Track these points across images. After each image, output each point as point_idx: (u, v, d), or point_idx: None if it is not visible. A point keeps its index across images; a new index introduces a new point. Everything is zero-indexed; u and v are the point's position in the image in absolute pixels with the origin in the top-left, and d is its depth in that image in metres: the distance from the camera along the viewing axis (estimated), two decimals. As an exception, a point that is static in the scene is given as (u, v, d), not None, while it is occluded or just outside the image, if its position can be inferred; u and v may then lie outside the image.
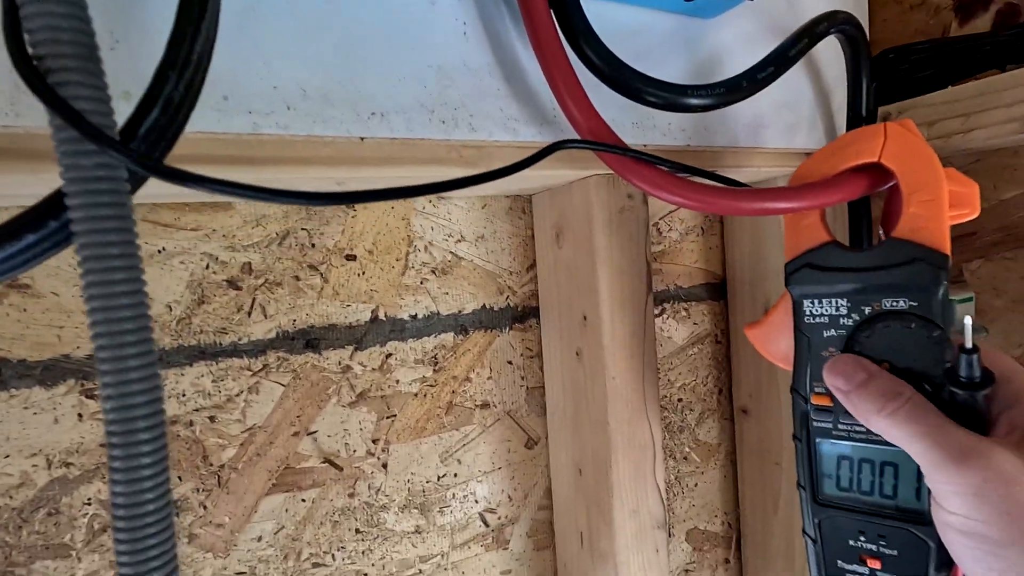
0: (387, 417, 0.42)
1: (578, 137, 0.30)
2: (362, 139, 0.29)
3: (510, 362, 0.46)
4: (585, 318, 0.39)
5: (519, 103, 0.32)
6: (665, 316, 0.53)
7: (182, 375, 0.36)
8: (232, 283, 0.37)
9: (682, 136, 0.37)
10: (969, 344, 0.25)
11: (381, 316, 0.42)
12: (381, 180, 0.32)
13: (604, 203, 0.37)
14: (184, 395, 0.36)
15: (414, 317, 0.43)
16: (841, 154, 0.30)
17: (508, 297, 0.46)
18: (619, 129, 0.33)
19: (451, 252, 0.44)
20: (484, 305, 0.45)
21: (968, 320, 0.25)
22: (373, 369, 0.42)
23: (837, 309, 0.29)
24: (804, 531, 0.32)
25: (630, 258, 0.38)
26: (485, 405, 0.45)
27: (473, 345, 0.45)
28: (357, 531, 0.42)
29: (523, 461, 0.47)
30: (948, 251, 0.27)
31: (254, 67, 0.26)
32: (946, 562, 0.27)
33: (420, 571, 0.44)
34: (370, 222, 0.41)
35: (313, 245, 0.40)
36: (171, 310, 0.36)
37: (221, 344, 0.37)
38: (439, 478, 0.44)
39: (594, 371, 0.39)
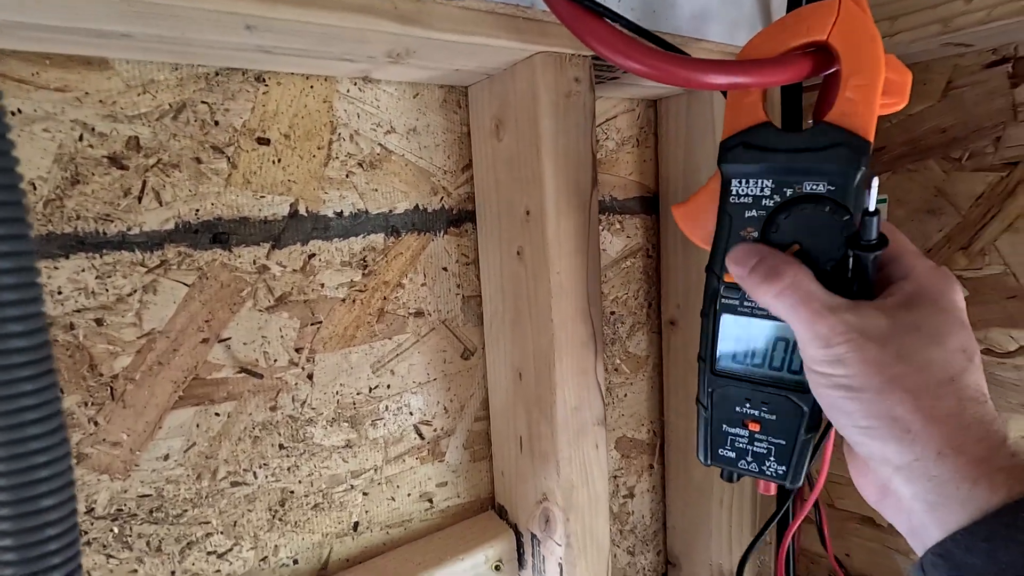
0: (312, 324, 0.38)
1: (544, 21, 0.27)
2: (279, -33, 0.24)
3: (445, 268, 0.44)
4: (528, 213, 0.37)
5: (463, -50, 0.28)
6: (600, 228, 0.52)
7: (56, 269, 0.30)
8: (115, 161, 0.31)
9: (630, 15, 0.35)
10: (872, 207, 0.26)
11: (302, 211, 0.37)
12: (303, 31, 0.27)
13: (551, 86, 0.35)
14: (60, 293, 0.30)
15: (339, 215, 0.39)
16: (792, 30, 0.29)
17: (443, 198, 0.43)
18: None
19: (380, 144, 0.40)
20: (417, 206, 0.42)
21: (875, 183, 0.26)
22: (294, 270, 0.37)
23: (761, 190, 0.30)
24: (698, 400, 0.34)
25: (576, 148, 0.36)
26: (419, 313, 0.43)
27: (406, 248, 0.42)
28: (281, 447, 0.38)
29: (459, 372, 0.45)
30: (871, 138, 0.27)
31: None
32: (814, 425, 0.30)
33: (352, 486, 0.41)
34: (285, 101, 0.36)
35: (217, 123, 0.34)
36: (35, 188, 0.29)
37: (105, 234, 0.31)
38: (371, 390, 0.41)
39: (537, 268, 0.37)
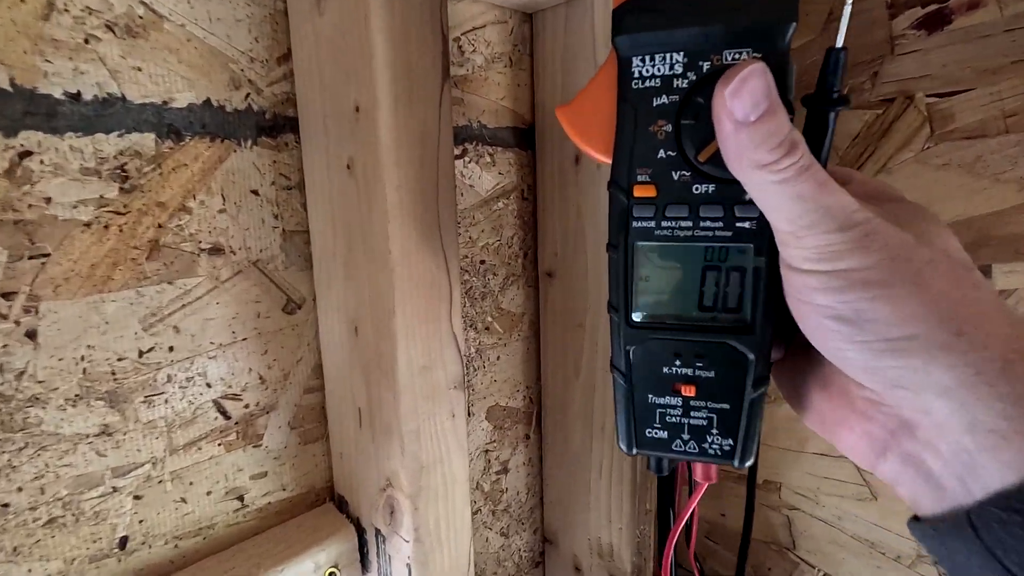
0: (31, 257, 0.26)
1: None
2: None
3: (256, 192, 0.33)
4: (358, 110, 0.28)
5: None
6: (467, 159, 0.44)
7: None
8: None
9: None
10: (840, 43, 0.21)
11: (3, 83, 0.25)
12: None
13: (382, -76, 0.25)
14: None
15: (76, 97, 0.26)
16: None
17: (250, 96, 0.32)
18: None
19: (145, 4, 0.28)
20: (210, 100, 0.30)
21: (847, 7, 0.20)
22: (-9, 173, 0.25)
23: (672, 67, 0.23)
24: (612, 364, 0.26)
25: (420, 23, 0.27)
26: (217, 250, 0.32)
27: (192, 158, 0.30)
28: (-18, 439, 0.26)
29: (281, 330, 0.35)
30: None
31: None
32: (762, 376, 0.24)
33: (114, 489, 0.30)
34: (-42, -99, 0.23)
35: None
36: None
37: None
38: (142, 354, 0.30)
39: (370, 183, 0.28)
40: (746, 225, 0.23)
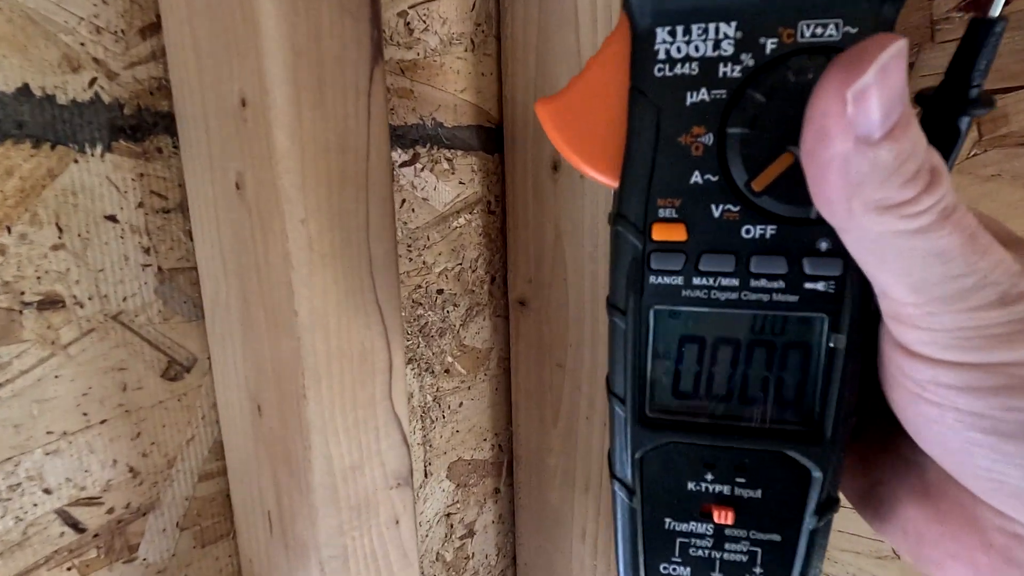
0: None
1: None
2: None
3: (114, 217, 0.23)
4: (244, 103, 0.19)
5: None
6: (419, 166, 0.35)
7: None
8: None
9: None
10: (998, 10, 0.14)
11: None
12: None
13: None
14: None
15: None
16: None
17: (98, 82, 0.22)
18: None
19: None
20: (28, 87, 0.21)
21: None
22: None
23: (717, 45, 0.15)
24: (613, 475, 0.18)
25: (334, -26, 0.18)
26: (52, 302, 0.22)
27: (3, 172, 0.21)
28: None
29: (161, 403, 0.26)
30: None
31: None
32: (831, 499, 0.16)
33: None
34: None
35: None
36: None
37: None
38: (-70, 461, 0.20)
39: (265, 212, 0.19)
40: (820, 287, 0.15)
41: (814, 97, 0.12)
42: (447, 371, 0.39)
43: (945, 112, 0.15)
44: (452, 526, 0.42)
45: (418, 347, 0.37)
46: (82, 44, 0.22)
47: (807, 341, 0.16)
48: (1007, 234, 0.15)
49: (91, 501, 0.24)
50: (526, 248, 0.39)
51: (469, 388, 0.41)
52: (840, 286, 0.15)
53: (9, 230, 0.21)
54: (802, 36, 0.14)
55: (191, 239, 0.25)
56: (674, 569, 0.18)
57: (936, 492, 0.16)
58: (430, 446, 0.39)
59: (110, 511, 0.25)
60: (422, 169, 0.35)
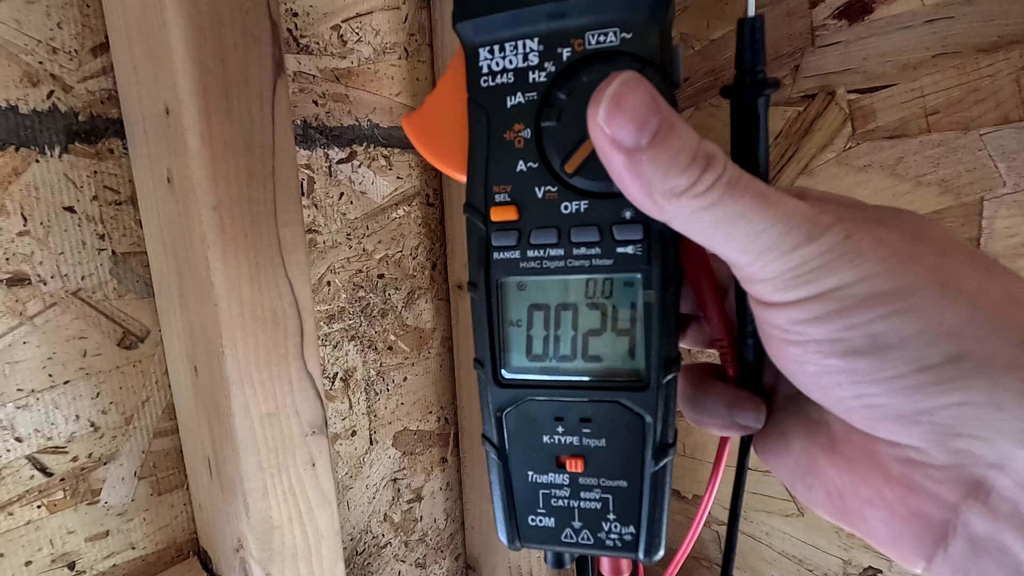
0: None
1: None
2: None
3: (71, 209, 0.28)
4: (168, 112, 0.23)
5: None
6: (356, 163, 0.39)
7: None
8: None
9: None
10: (752, 9, 0.17)
11: None
12: None
13: None
14: None
15: None
16: None
17: (55, 94, 0.27)
18: None
19: None
20: (6, 103, 0.25)
21: None
22: None
23: (526, 57, 0.19)
24: (483, 435, 0.21)
25: (236, 9, 0.23)
26: (20, 279, 0.27)
27: (-27, 171, 0.25)
28: None
29: (118, 367, 0.30)
30: None
31: None
32: (666, 443, 0.19)
33: None
34: None
35: None
36: None
37: None
38: (-82, 410, 0.25)
39: (187, 201, 0.23)
40: (629, 250, 0.18)
41: (588, 127, 0.15)
42: (390, 348, 0.43)
43: (742, 98, 0.18)
44: (399, 491, 0.46)
45: (360, 326, 0.41)
46: (40, 63, 0.26)
47: (626, 300, 0.19)
48: (846, 200, 0.17)
49: (57, 450, 0.29)
50: (464, 236, 0.43)
51: (413, 364, 0.45)
52: (646, 248, 0.18)
53: (-20, 219, 0.25)
54: (589, 44, 0.18)
55: (141, 227, 0.30)
56: (540, 520, 0.20)
57: (840, 443, 0.17)
58: (375, 416, 0.43)
59: (74, 459, 0.29)
60: (359, 165, 0.39)
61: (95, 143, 0.28)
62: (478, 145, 0.20)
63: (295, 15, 0.34)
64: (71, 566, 0.30)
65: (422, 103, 0.21)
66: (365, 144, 0.39)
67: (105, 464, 0.30)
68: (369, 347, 0.42)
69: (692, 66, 0.43)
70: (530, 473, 0.20)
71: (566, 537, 0.20)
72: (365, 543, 0.44)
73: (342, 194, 0.38)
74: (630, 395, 0.19)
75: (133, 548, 0.32)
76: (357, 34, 0.38)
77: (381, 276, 0.42)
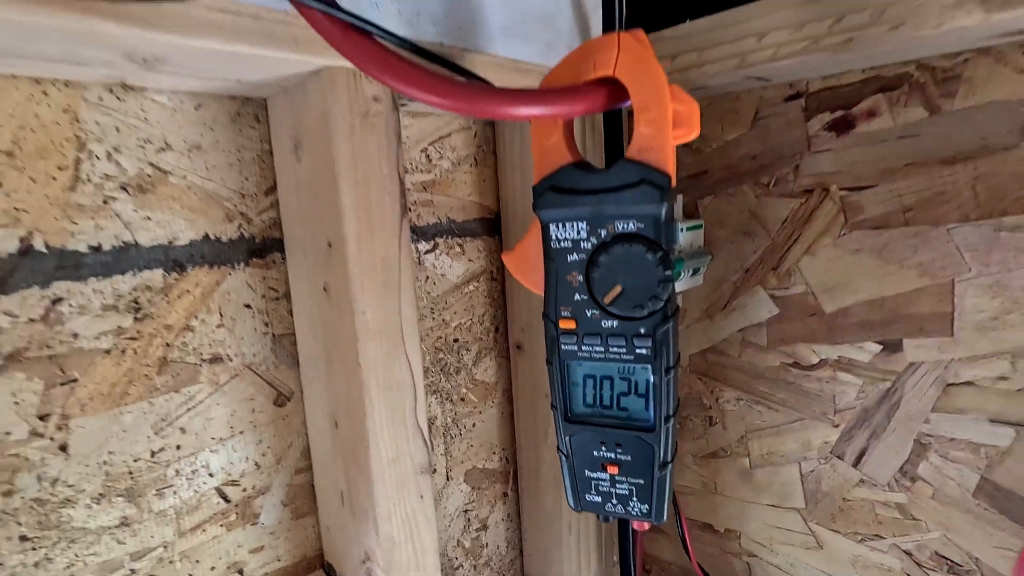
0: (63, 384, 0.31)
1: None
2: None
3: (248, 305, 0.38)
4: (330, 245, 0.33)
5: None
6: (438, 252, 0.49)
7: None
8: None
9: (433, 32, 0.33)
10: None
11: (39, 247, 0.30)
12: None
13: (344, 104, 0.31)
14: None
15: (97, 249, 0.32)
16: (582, 64, 0.28)
17: (241, 226, 0.38)
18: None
19: (152, 164, 0.34)
20: (207, 235, 0.36)
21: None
22: (30, 320, 0.30)
23: (579, 233, 0.29)
24: (558, 448, 0.33)
25: (379, 172, 0.33)
26: (216, 359, 0.37)
27: (194, 285, 0.36)
28: (23, 538, 0.31)
29: (273, 421, 0.40)
30: (671, 171, 0.26)
31: None
32: (666, 460, 0.30)
33: (133, 571, 0.35)
34: (4, 112, 0.29)
35: None
36: None
37: None
38: (153, 454, 0.35)
39: (343, 307, 0.33)
40: (642, 351, 0.29)
41: None
42: (463, 399, 0.52)
43: None
44: (469, 520, 0.55)
45: (440, 382, 0.50)
46: (234, 205, 0.37)
47: (641, 378, 0.29)
48: None
49: (233, 483, 0.38)
50: (520, 306, 0.53)
51: (480, 412, 0.54)
52: (653, 350, 0.28)
53: (196, 317, 0.36)
54: (617, 229, 0.28)
55: (291, 315, 0.40)
56: (593, 497, 0.32)
57: None
58: (451, 456, 0.52)
59: (244, 490, 0.39)
60: (440, 254, 0.49)
61: (264, 257, 0.39)
62: (551, 281, 0.30)
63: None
64: (240, 572, 0.39)
65: (514, 247, 0.31)
66: (444, 236, 0.50)
67: (263, 494, 0.40)
68: (446, 399, 0.51)
69: (710, 161, 0.52)
70: (586, 471, 0.32)
71: (607, 508, 0.32)
72: (443, 565, 0.52)
73: (427, 277, 0.48)
74: (644, 433, 0.30)
75: (279, 560, 0.41)
76: (439, 152, 0.48)
77: (456, 340, 0.51)
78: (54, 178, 0.30)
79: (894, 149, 0.42)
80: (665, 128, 0.27)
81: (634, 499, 0.31)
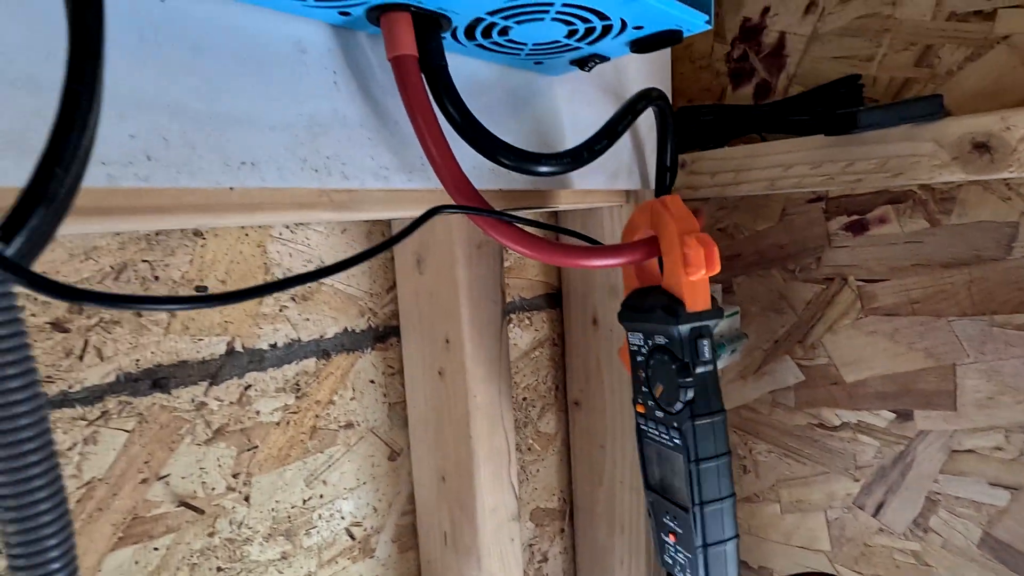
0: (248, 450, 0.41)
1: (442, 189, 0.33)
2: (231, 188, 0.28)
3: (372, 381, 0.48)
4: (448, 341, 0.43)
5: (390, 152, 0.34)
6: (512, 325, 0.58)
7: None
8: (57, 325, 0.33)
9: (528, 181, 0.42)
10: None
11: (238, 348, 0.40)
12: (247, 223, 0.32)
13: (464, 239, 0.41)
14: None
15: (274, 346, 0.42)
16: (637, 221, 0.38)
17: (369, 318, 0.47)
18: (478, 174, 0.37)
19: (311, 278, 0.44)
20: (346, 328, 0.46)
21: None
22: (231, 403, 0.40)
23: (640, 340, 0.38)
24: (647, 510, 0.41)
25: (488, 288, 0.43)
26: (349, 425, 0.47)
27: (336, 368, 0.46)
28: (219, 569, 0.40)
29: (386, 473, 0.49)
30: (684, 300, 0.34)
31: (105, 116, 0.24)
32: (702, 544, 0.36)
33: (286, 595, 0.44)
34: (222, 250, 0.39)
35: (157, 278, 0.37)
36: (-24, 362, 0.31)
37: (47, 394, 0.33)
38: (304, 502, 0.45)
39: (457, 390, 0.43)
40: (677, 440, 0.36)
41: None
42: (529, 448, 0.61)
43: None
44: (533, 553, 0.63)
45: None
46: (364, 302, 0.47)
47: (679, 463, 0.37)
48: None
49: (358, 524, 0.48)
50: (578, 368, 0.62)
51: (543, 460, 0.63)
52: (683, 443, 0.36)
53: (337, 393, 0.46)
54: (655, 342, 0.37)
55: (403, 387, 0.50)
56: (667, 557, 0.39)
57: None
58: (519, 498, 0.61)
59: (365, 530, 0.48)
60: (514, 326, 0.59)
61: (385, 341, 0.49)
62: (633, 374, 0.39)
63: (482, 243, 0.55)
64: (361, 597, 0.48)
65: (623, 344, 0.40)
66: (517, 311, 0.59)
67: (378, 533, 0.49)
68: (516, 449, 0.60)
69: (743, 247, 0.61)
70: (660, 533, 0.39)
71: (677, 571, 0.38)
72: (511, 592, 0.61)
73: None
74: (684, 512, 0.37)
75: (388, 588, 0.50)
76: (514, 244, 0.58)
77: (525, 399, 0.60)
78: (250, 296, 0.41)
79: (902, 251, 0.50)
80: (678, 269, 0.35)
81: (689, 570, 0.36)
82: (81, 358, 0.34)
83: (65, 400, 0.34)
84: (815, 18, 0.53)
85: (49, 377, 0.33)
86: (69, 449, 0.34)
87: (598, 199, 0.49)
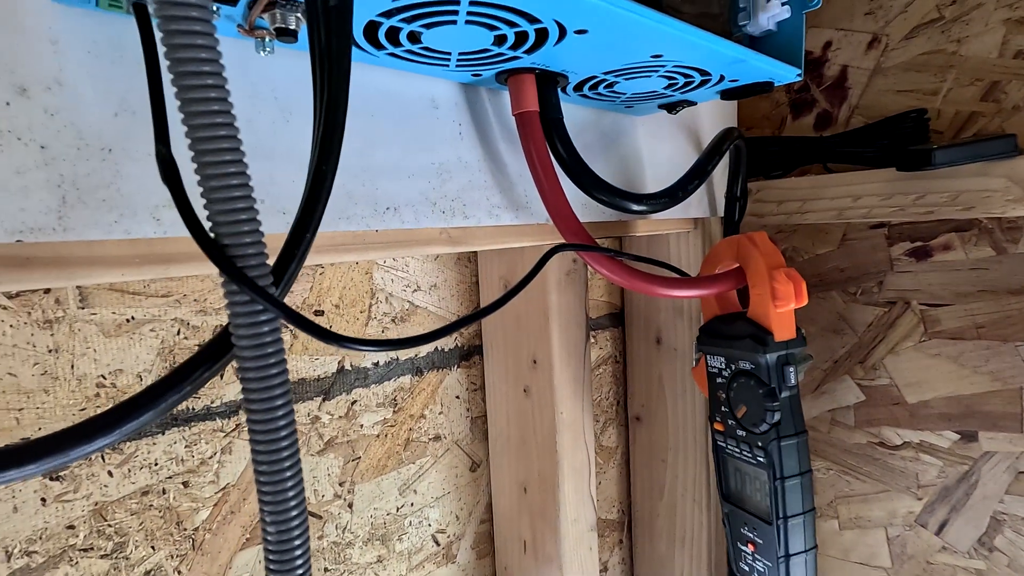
0: (352, 460, 0.45)
1: (551, 225, 0.36)
2: (377, 231, 0.32)
3: (457, 396, 0.51)
4: (535, 361, 0.46)
5: (500, 193, 0.37)
6: (579, 343, 0.61)
7: (154, 444, 0.36)
8: (204, 347, 0.37)
9: (614, 213, 0.45)
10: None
11: (347, 366, 0.44)
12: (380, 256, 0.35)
13: (556, 267, 0.44)
14: (156, 464, 0.36)
15: (376, 364, 0.46)
16: (722, 254, 0.41)
17: (456, 339, 0.51)
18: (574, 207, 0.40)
19: (409, 301, 0.47)
20: (437, 347, 0.49)
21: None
22: (340, 417, 0.44)
23: (721, 364, 0.40)
24: (723, 520, 0.43)
25: (574, 312, 0.46)
26: (437, 438, 0.50)
27: (427, 384, 0.49)
28: (326, 570, 0.44)
29: (468, 483, 0.53)
30: (773, 329, 0.37)
31: (286, 172, 0.28)
32: (785, 554, 0.39)
33: (381, 596, 0.47)
34: (336, 278, 0.43)
35: (282, 303, 0.41)
36: (141, 380, 0.35)
37: (194, 409, 0.37)
38: (398, 509, 0.48)
39: (543, 406, 0.46)
40: (761, 459, 0.39)
41: None
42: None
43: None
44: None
45: (578, 448, 0.62)
46: (447, 319, 0.50)
47: (762, 479, 0.40)
48: None
49: (442, 531, 0.51)
50: (639, 385, 0.64)
51: (604, 473, 0.65)
52: (768, 459, 0.39)
53: (428, 407, 0.49)
54: (738, 366, 0.39)
55: (484, 402, 0.53)
56: (743, 565, 0.42)
57: None
58: (584, 509, 0.63)
59: (448, 536, 0.51)
60: (581, 345, 0.61)
61: (469, 359, 0.52)
62: (710, 394, 0.41)
63: (555, 266, 0.58)
64: (445, 600, 0.51)
65: (696, 365, 0.43)
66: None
67: (460, 539, 0.52)
68: (581, 462, 0.63)
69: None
70: (737, 543, 0.42)
71: (748, 571, 0.40)
72: (575, 600, 0.63)
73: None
74: (766, 525, 0.39)
75: (468, 592, 0.53)
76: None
77: (589, 414, 0.63)
78: (357, 318, 0.44)
79: (967, 277, 0.52)
80: (766, 300, 0.38)
81: (764, 571, 0.41)
82: (221, 376, 0.38)
83: (208, 414, 0.38)
84: (878, 53, 0.55)
85: (197, 396, 0.37)
86: (210, 458, 0.38)
87: (670, 226, 0.52)
